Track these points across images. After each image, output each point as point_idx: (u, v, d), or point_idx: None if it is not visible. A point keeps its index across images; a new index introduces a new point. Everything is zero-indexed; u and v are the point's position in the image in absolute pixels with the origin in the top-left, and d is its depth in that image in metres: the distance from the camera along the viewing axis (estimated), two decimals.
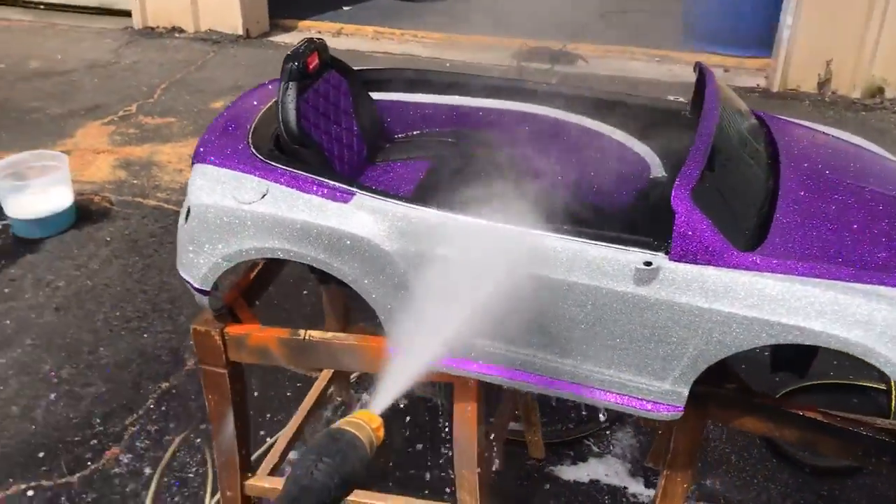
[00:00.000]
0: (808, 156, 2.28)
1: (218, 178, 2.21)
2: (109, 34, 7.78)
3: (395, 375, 1.85)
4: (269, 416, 3.57)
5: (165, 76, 6.83)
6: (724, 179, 2.05)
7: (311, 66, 2.37)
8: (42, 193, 4.71)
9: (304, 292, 4.26)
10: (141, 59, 7.19)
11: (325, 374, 3.35)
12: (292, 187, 2.13)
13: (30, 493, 3.23)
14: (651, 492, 3.23)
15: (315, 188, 2.12)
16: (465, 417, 2.41)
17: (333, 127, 2.48)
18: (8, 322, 4.11)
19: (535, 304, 2.03)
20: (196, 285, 2.30)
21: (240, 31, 7.52)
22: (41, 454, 3.39)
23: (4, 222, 4.82)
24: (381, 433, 1.59)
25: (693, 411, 2.25)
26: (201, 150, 2.31)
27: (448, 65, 7.00)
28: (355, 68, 2.68)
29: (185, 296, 4.13)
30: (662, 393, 2.07)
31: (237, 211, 2.15)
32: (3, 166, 4.79)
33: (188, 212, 2.25)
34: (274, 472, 2.92)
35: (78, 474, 3.31)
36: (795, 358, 2.15)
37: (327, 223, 2.09)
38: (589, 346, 2.05)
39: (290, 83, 2.30)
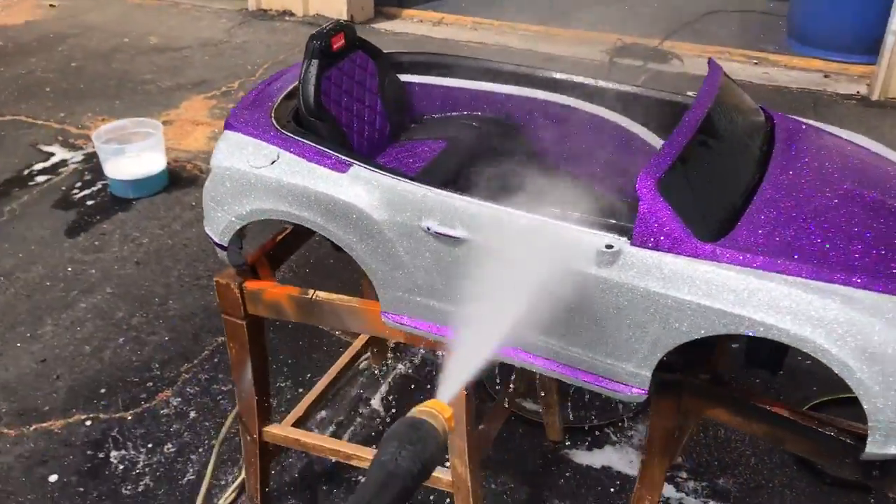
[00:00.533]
0: (806, 156, 2.28)
1: (238, 143, 2.43)
2: (226, 15, 8.24)
3: (458, 363, 1.88)
4: (308, 376, 3.80)
5: (269, 56, 7.20)
6: (700, 172, 2.10)
7: (335, 46, 2.55)
8: (137, 158, 5.12)
9: None
10: (250, 40, 7.60)
11: (358, 343, 3.55)
12: (298, 155, 2.32)
13: (88, 422, 3.58)
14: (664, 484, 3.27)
15: (317, 157, 2.30)
16: None
17: (356, 104, 2.65)
18: (93, 271, 4.51)
19: (507, 278, 2.14)
20: (215, 240, 2.53)
21: (344, 17, 7.82)
22: (103, 390, 3.74)
23: (104, 182, 5.26)
24: (452, 423, 1.65)
25: (667, 398, 2.31)
26: (230, 118, 2.53)
27: (539, 57, 7.07)
28: (387, 51, 2.84)
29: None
30: (627, 374, 2.14)
31: (248, 174, 2.36)
32: (106, 130, 5.23)
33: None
34: (298, 424, 3.15)
35: (131, 411, 3.63)
36: (768, 354, 2.17)
37: (325, 190, 2.27)
38: (559, 323, 2.14)
39: (313, 60, 2.49)
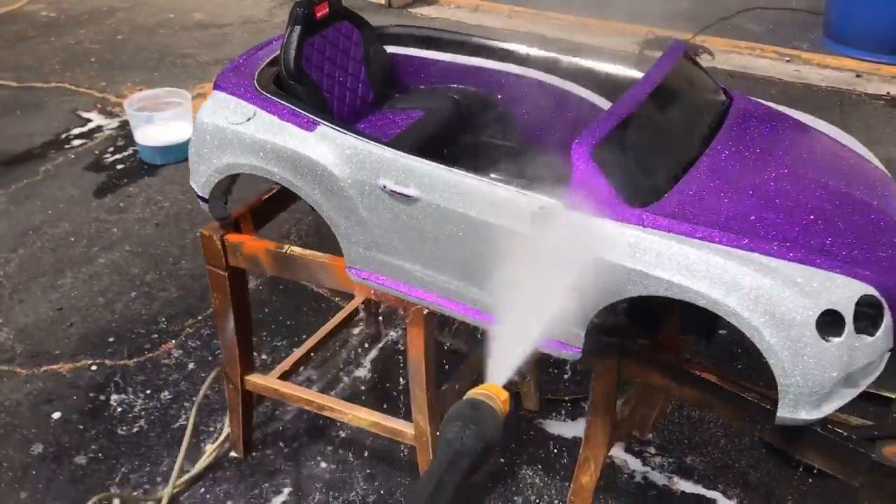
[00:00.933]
0: (753, 135, 2.36)
1: (220, 102, 2.59)
2: None
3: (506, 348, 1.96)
4: (304, 337, 3.96)
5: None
6: (638, 142, 2.19)
7: (318, 14, 2.70)
8: (166, 126, 5.35)
9: None
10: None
11: (351, 306, 3.70)
12: (272, 113, 2.48)
13: (93, 367, 3.80)
14: (628, 457, 3.37)
15: (289, 116, 2.45)
16: (414, 341, 2.68)
17: (338, 71, 2.80)
18: (115, 230, 4.76)
19: (455, 237, 2.27)
20: (198, 193, 2.70)
21: (382, 1, 7.98)
22: (111, 339, 3.97)
23: (134, 148, 5.51)
24: (507, 406, 1.73)
25: (606, 362, 2.42)
26: (218, 79, 2.69)
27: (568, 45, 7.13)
28: (375, 25, 2.98)
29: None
30: (564, 333, 2.25)
31: (226, 130, 2.52)
32: (139, 99, 5.47)
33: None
34: (284, 377, 3.31)
35: (135, 359, 3.85)
36: (700, 322, 2.26)
37: (294, 147, 2.42)
38: (500, 281, 2.26)
39: (295, 27, 2.64)
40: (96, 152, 5.56)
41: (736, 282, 1.95)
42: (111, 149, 5.61)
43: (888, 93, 6.30)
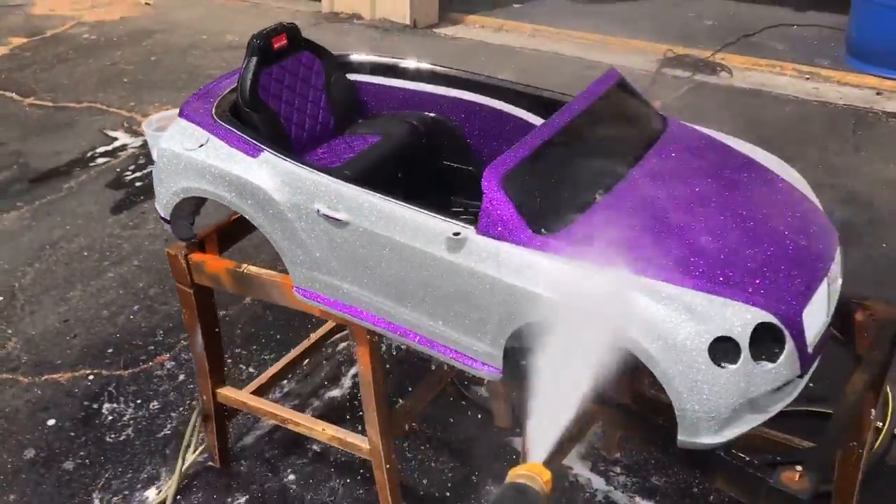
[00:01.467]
0: (677, 163, 2.40)
1: (180, 129, 2.75)
2: (301, 16, 8.70)
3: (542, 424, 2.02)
4: (283, 353, 4.10)
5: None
6: (553, 169, 2.26)
7: (275, 46, 2.83)
8: None
9: None
10: (315, 41, 8.02)
11: (325, 328, 3.81)
12: (222, 140, 2.62)
13: (90, 377, 4.00)
14: (593, 475, 3.40)
15: (236, 142, 2.59)
16: (362, 360, 2.78)
17: (298, 99, 2.93)
18: (126, 245, 4.98)
19: (383, 260, 2.37)
20: (161, 215, 2.86)
21: (407, 21, 8.15)
22: (110, 350, 4.17)
23: (153, 167, 5.74)
24: (550, 486, 1.76)
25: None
26: (182, 106, 2.85)
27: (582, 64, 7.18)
28: (336, 53, 3.10)
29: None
30: (483, 353, 2.32)
31: (181, 156, 2.67)
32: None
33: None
34: (258, 393, 3.44)
35: (129, 370, 4.04)
36: None
37: (238, 172, 2.55)
38: (424, 302, 2.35)
39: (252, 58, 2.78)
40: (118, 170, 5.82)
41: (632, 308, 2.00)
42: (132, 167, 5.86)
43: None
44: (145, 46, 8.02)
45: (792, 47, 7.40)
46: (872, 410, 2.69)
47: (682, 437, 2.06)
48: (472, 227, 2.21)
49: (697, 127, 2.66)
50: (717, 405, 2.00)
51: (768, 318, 2.02)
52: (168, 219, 2.85)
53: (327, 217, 2.42)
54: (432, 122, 3.06)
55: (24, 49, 7.99)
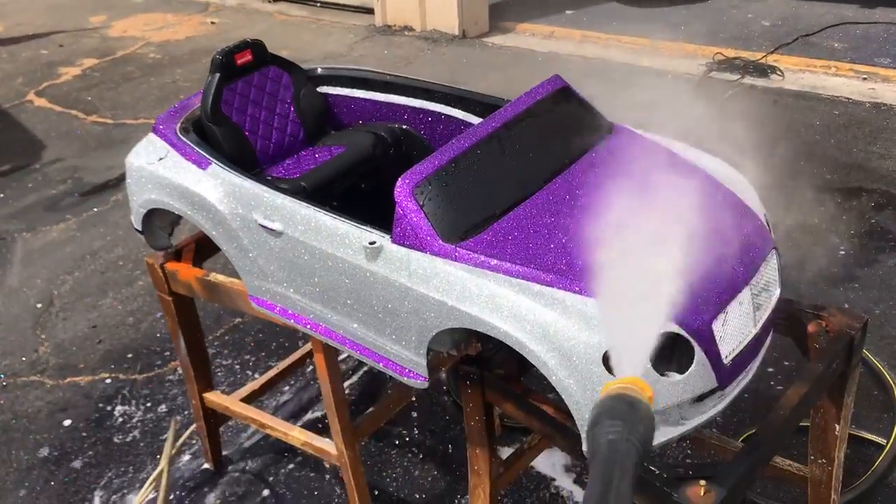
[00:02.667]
0: (605, 172, 2.35)
1: (149, 143, 2.87)
2: (354, 30, 8.89)
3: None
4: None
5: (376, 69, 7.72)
6: (471, 179, 2.25)
7: (239, 62, 2.93)
8: None
9: None
10: (366, 54, 8.17)
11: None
12: (178, 152, 2.72)
13: (108, 380, 4.20)
14: (576, 487, 3.35)
15: (189, 155, 2.69)
16: (320, 368, 2.83)
17: (264, 113, 3.01)
18: None
19: (316, 269, 2.41)
20: (134, 226, 2.99)
21: (456, 32, 8.20)
22: (130, 355, 4.36)
23: None
24: (653, 401, 1.61)
25: (472, 391, 2.48)
26: (155, 122, 2.98)
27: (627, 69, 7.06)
28: (305, 67, 3.18)
29: None
30: (409, 361, 2.34)
31: (144, 169, 2.79)
32: None
33: None
34: (247, 400, 3.53)
35: (144, 374, 4.22)
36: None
37: (189, 184, 2.65)
38: (355, 310, 2.39)
39: (215, 74, 2.88)
40: None
41: (526, 316, 1.98)
42: None
43: None
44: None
45: (852, 46, 7.09)
46: (836, 426, 2.57)
47: (587, 447, 2.02)
48: (388, 237, 2.23)
49: (649, 135, 2.60)
50: None
51: (672, 327, 1.96)
52: (140, 230, 2.97)
53: (265, 227, 2.48)
54: (401, 133, 3.09)
55: (94, 69, 8.43)
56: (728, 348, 2.05)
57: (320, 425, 3.75)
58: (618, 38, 7.85)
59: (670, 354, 1.99)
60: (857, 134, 5.70)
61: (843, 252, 4.52)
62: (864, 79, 6.53)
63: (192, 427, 3.54)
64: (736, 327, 2.07)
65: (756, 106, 6.21)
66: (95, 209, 5.82)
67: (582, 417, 1.97)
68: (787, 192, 5.11)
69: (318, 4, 9.84)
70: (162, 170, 2.73)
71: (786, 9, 8.24)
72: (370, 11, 9.10)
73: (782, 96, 6.39)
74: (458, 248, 2.12)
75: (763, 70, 6.79)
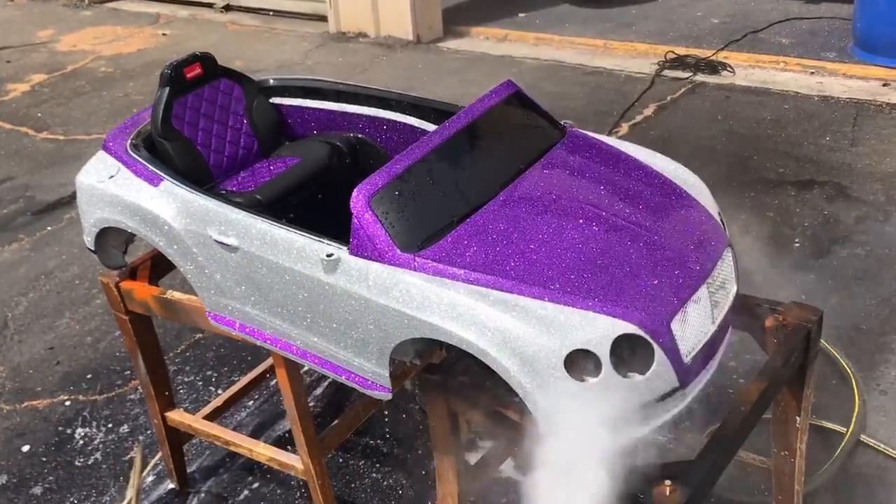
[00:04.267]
0: (559, 176, 2.36)
1: (99, 161, 2.82)
2: (309, 38, 8.84)
3: None
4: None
5: (333, 77, 7.68)
6: (426, 188, 2.25)
7: (189, 75, 2.89)
8: None
9: None
10: (321, 61, 8.13)
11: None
12: (129, 170, 2.68)
13: (67, 402, 4.12)
14: None
15: (141, 172, 2.64)
16: (282, 383, 2.80)
17: (216, 126, 2.98)
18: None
19: (274, 283, 2.39)
20: (87, 245, 2.93)
21: (410, 37, 8.20)
22: (89, 375, 4.28)
23: None
24: None
25: (436, 399, 2.47)
26: (105, 139, 2.92)
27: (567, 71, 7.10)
28: (258, 79, 3.15)
29: None
30: (372, 373, 2.32)
31: (94, 187, 2.74)
32: None
33: None
34: (210, 417, 3.49)
35: (104, 395, 4.14)
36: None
37: (141, 202, 2.61)
38: (315, 324, 2.36)
39: (164, 88, 2.84)
40: None
41: (486, 323, 1.98)
42: None
43: None
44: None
45: (799, 42, 7.21)
46: (797, 418, 2.60)
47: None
48: (345, 248, 2.21)
49: (602, 137, 2.61)
50: (581, 420, 1.96)
51: (630, 328, 1.97)
52: (94, 249, 2.92)
53: (220, 243, 2.45)
54: (357, 142, 3.08)
55: (44, 85, 8.28)
56: (687, 346, 2.07)
57: (286, 440, 3.72)
58: (571, 40, 7.90)
59: (631, 356, 2.01)
60: (807, 127, 5.80)
61: (797, 244, 4.59)
62: (812, 73, 6.65)
63: (159, 455, 3.50)
64: (694, 325, 2.09)
65: (709, 102, 6.30)
66: (49, 228, 5.71)
67: (544, 421, 1.97)
68: (741, 186, 5.18)
69: (272, 13, 9.77)
70: (113, 188, 2.68)
71: (734, 6, 8.36)
72: (324, 19, 9.06)
73: (733, 92, 6.49)
74: (416, 258, 2.11)
75: (714, 67, 6.89)
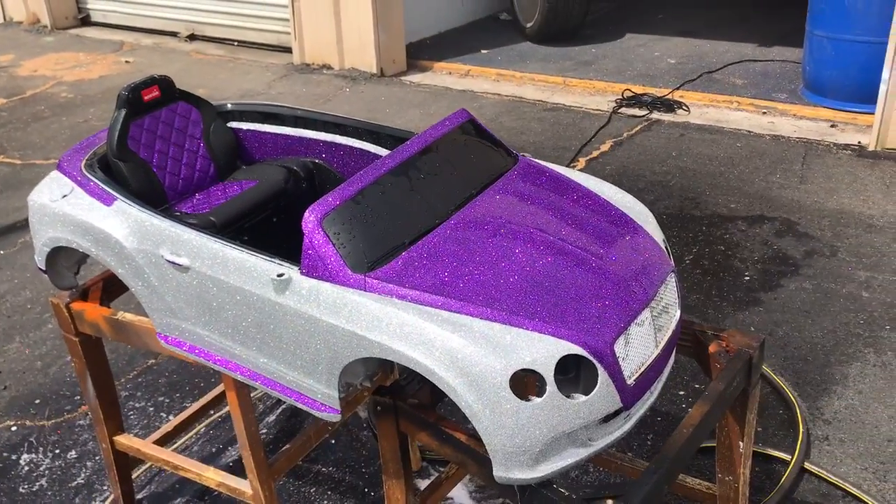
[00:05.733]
0: (509, 201, 2.41)
1: (52, 181, 2.81)
2: (273, 68, 8.89)
3: None
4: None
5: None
6: (379, 210, 2.28)
7: (146, 97, 2.91)
8: None
9: None
10: (284, 91, 8.18)
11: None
12: (83, 189, 2.68)
13: (14, 428, 4.04)
14: None
15: (93, 191, 2.64)
16: (232, 406, 2.79)
17: (172, 148, 2.99)
18: None
19: (225, 303, 2.39)
20: (38, 265, 2.91)
21: (374, 70, 8.29)
22: (38, 401, 4.21)
23: None
24: None
25: (385, 421, 2.48)
26: (60, 159, 2.92)
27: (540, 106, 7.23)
28: (216, 103, 3.17)
29: None
30: (321, 394, 2.33)
31: (47, 206, 2.73)
32: None
33: None
34: (160, 442, 3.44)
35: (52, 420, 4.07)
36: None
37: (93, 221, 2.61)
38: (265, 344, 2.37)
39: (121, 110, 2.85)
40: None
41: (434, 342, 2.01)
42: None
43: (859, 142, 6.17)
44: None
45: (752, 83, 7.43)
46: (740, 443, 2.66)
47: (497, 473, 2.05)
48: (296, 268, 2.23)
49: (551, 165, 2.68)
50: (526, 439, 1.99)
51: (574, 349, 2.01)
52: (44, 269, 2.90)
53: (172, 263, 2.46)
54: (314, 167, 3.11)
55: (2, 109, 8.21)
56: (631, 368, 2.11)
57: (236, 468, 3.68)
58: (531, 77, 8.05)
59: (575, 377, 2.04)
60: (759, 165, 5.96)
61: (747, 277, 4.70)
62: (764, 113, 6.85)
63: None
64: (638, 348, 2.14)
65: (663, 139, 6.44)
66: (1, 251, 5.63)
67: (492, 442, 2.00)
68: (693, 220, 5.30)
69: (236, 44, 9.83)
70: (66, 207, 2.68)
71: (689, 48, 8.60)
72: (288, 50, 9.13)
73: (688, 130, 6.65)
74: (367, 278, 2.14)
75: (669, 105, 7.06)
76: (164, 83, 2.99)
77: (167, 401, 4.17)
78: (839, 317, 4.32)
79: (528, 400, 1.98)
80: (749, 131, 6.52)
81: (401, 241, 2.25)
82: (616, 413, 2.13)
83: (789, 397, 3.72)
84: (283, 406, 4.03)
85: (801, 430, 3.53)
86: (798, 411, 3.65)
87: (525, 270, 2.14)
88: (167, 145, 2.98)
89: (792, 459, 3.38)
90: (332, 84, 8.31)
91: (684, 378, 3.98)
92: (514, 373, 1.97)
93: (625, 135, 6.61)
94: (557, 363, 2.01)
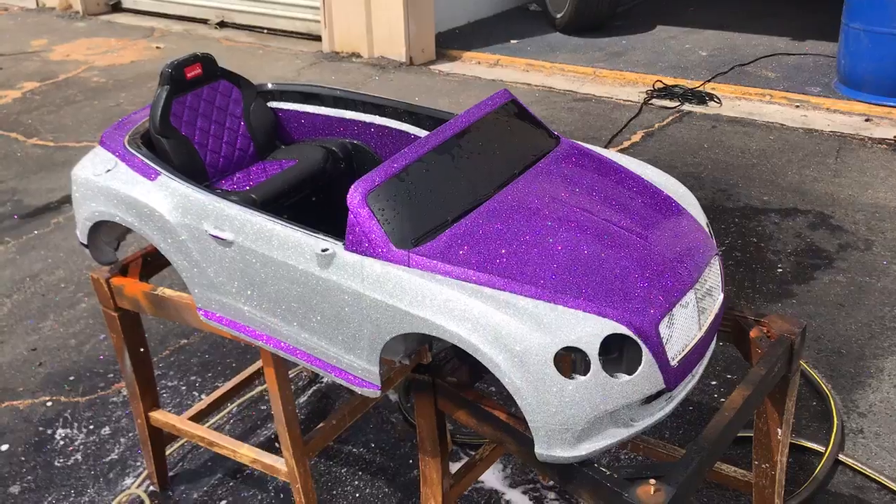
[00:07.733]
0: (553, 181, 2.41)
1: (95, 156, 2.84)
2: (302, 56, 8.92)
3: None
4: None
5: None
6: (423, 186, 2.29)
7: (189, 75, 2.92)
8: None
9: None
10: (314, 79, 8.20)
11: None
12: (126, 164, 2.70)
13: (48, 403, 4.09)
14: (525, 499, 3.37)
15: (137, 166, 2.67)
16: (270, 381, 2.81)
17: (213, 126, 3.01)
18: None
19: (268, 278, 2.41)
20: (79, 239, 2.94)
21: (403, 59, 8.29)
22: (72, 377, 4.26)
23: None
24: None
25: (424, 399, 2.49)
26: (102, 136, 2.95)
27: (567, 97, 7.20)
28: (256, 83, 3.19)
29: None
30: (361, 370, 2.34)
31: (90, 181, 2.76)
32: None
33: None
34: (194, 419, 3.48)
35: (87, 397, 4.12)
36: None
37: (137, 195, 2.63)
38: (307, 320, 2.38)
39: (164, 87, 2.87)
40: None
41: (478, 319, 2.01)
42: None
43: (895, 137, 6.10)
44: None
45: (784, 76, 7.36)
46: (779, 430, 2.64)
47: (539, 450, 2.05)
48: (340, 244, 2.24)
49: (594, 148, 2.67)
50: (569, 417, 1.99)
51: (620, 328, 2.01)
52: (86, 243, 2.93)
53: (215, 237, 2.47)
54: (352, 147, 3.12)
55: (36, 93, 8.30)
56: (674, 350, 2.11)
57: (268, 446, 3.71)
58: (561, 67, 8.02)
59: (619, 356, 2.04)
60: (792, 158, 5.91)
61: (780, 269, 4.66)
62: (797, 106, 6.78)
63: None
64: (681, 329, 2.13)
65: (696, 131, 6.40)
66: (36, 232, 5.69)
67: (534, 419, 2.00)
68: (725, 212, 5.26)
69: (265, 31, 9.87)
70: (109, 181, 2.70)
71: (721, 40, 8.53)
72: (318, 38, 9.16)
73: (720, 122, 6.60)
74: (411, 254, 2.14)
75: (701, 97, 7.01)
76: (207, 61, 3.01)
77: (199, 380, 4.20)
78: (874, 310, 4.28)
79: (572, 378, 1.98)
80: (782, 124, 6.46)
81: (444, 219, 2.25)
82: (658, 394, 2.12)
83: (823, 389, 3.69)
84: (314, 388, 4.06)
85: (835, 421, 3.50)
86: (832, 403, 3.62)
87: (569, 250, 2.14)
88: (209, 123, 3.00)
89: (826, 451, 3.36)
90: (361, 72, 8.32)
91: (716, 369, 3.96)
92: (558, 351, 1.97)
93: (656, 126, 6.58)
94: (602, 342, 2.01)
